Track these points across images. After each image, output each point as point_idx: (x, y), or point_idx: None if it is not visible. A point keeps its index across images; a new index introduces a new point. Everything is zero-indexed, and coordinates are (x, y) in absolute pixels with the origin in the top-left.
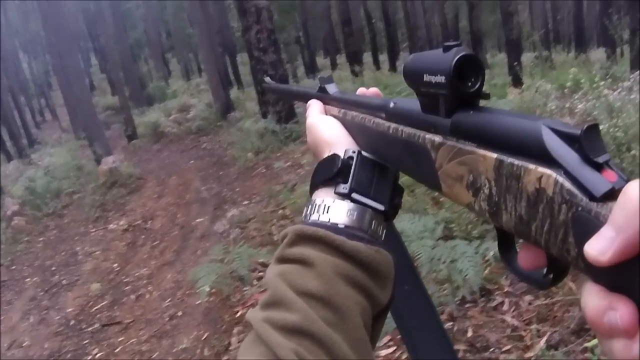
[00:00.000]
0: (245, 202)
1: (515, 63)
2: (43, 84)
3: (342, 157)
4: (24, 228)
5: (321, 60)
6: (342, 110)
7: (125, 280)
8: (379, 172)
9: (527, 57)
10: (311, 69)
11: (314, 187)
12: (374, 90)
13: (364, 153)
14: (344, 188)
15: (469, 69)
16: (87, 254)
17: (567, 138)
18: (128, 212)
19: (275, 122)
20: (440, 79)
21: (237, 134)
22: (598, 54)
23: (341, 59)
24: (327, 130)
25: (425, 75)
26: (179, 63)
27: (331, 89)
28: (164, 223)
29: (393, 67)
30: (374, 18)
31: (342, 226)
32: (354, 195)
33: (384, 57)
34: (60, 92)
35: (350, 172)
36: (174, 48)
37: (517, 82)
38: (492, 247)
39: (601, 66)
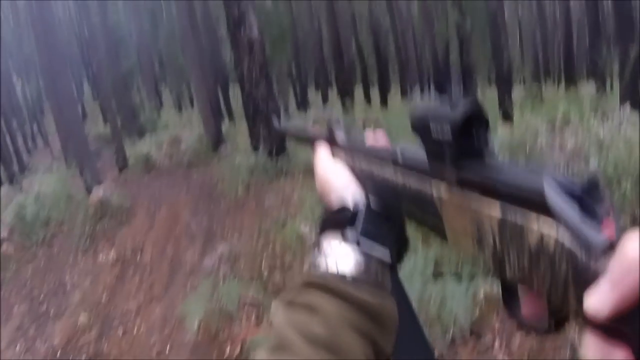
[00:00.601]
0: (235, 237)
1: (505, 99)
2: (36, 109)
3: (350, 206)
4: (12, 255)
5: (312, 94)
6: (350, 156)
7: (113, 313)
8: (386, 222)
9: (517, 91)
10: (302, 103)
11: (322, 235)
12: (381, 132)
13: (371, 202)
14: (351, 238)
15: (476, 121)
16: (75, 285)
17: (569, 193)
18: (118, 244)
19: (267, 156)
20: (447, 132)
21: (227, 167)
22: (588, 87)
23: (332, 92)
24: (336, 177)
25: (432, 126)
26: (172, 93)
27: (339, 133)
28: (153, 256)
29: (384, 102)
30: (366, 52)
31: (349, 275)
32: (362, 245)
33: (375, 92)
34: (52, 117)
35: (358, 220)
36: (167, 78)
37: (507, 116)
38: (482, 285)
39: (591, 100)
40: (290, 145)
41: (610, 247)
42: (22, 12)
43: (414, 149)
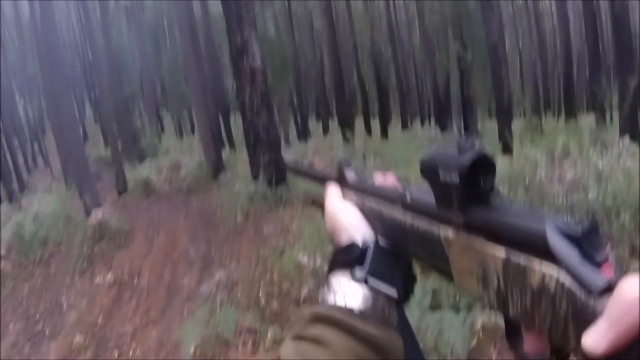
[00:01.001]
0: (233, 265)
1: (505, 131)
2: (37, 129)
3: (359, 244)
4: (10, 273)
5: (313, 124)
6: (360, 197)
7: (109, 335)
8: (394, 260)
9: (517, 123)
10: (303, 133)
11: (331, 271)
12: (390, 175)
13: (380, 241)
14: (360, 274)
15: (482, 167)
16: (71, 306)
17: (570, 237)
18: (115, 267)
19: (266, 185)
20: (455, 178)
21: (227, 195)
22: (588, 119)
23: (333, 123)
24: (346, 217)
25: (440, 172)
26: (173, 119)
27: (349, 173)
28: (150, 281)
29: (385, 134)
30: (367, 83)
31: (357, 310)
32: (370, 282)
33: (375, 123)
34: (53, 138)
35: (366, 259)
36: (169, 104)
37: (507, 149)
38: (480, 316)
39: (591, 132)
40: (290, 175)
41: (609, 288)
42: (27, 31)
43: (423, 192)
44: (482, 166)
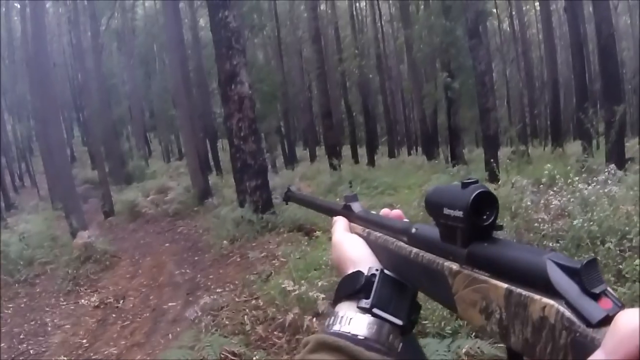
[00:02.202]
0: (219, 290)
1: (492, 160)
2: (25, 149)
3: (365, 274)
4: None
5: (301, 152)
6: (367, 230)
7: (93, 358)
8: (399, 290)
9: (504, 152)
10: (290, 160)
11: (337, 300)
12: (397, 212)
13: (385, 271)
14: (365, 303)
15: (485, 204)
16: (56, 326)
17: (569, 271)
18: (100, 289)
19: (252, 211)
20: (459, 213)
21: (213, 220)
22: (575, 146)
23: (320, 150)
24: (353, 249)
25: (445, 208)
26: (160, 144)
27: (356, 206)
28: (135, 304)
29: (371, 162)
30: (354, 111)
31: (362, 337)
32: (375, 310)
33: (362, 151)
34: (41, 158)
35: (372, 289)
36: (156, 128)
37: (493, 177)
38: (465, 344)
39: (577, 159)
40: (276, 202)
41: (607, 320)
42: (19, 51)
43: (428, 227)
44: (485, 202)
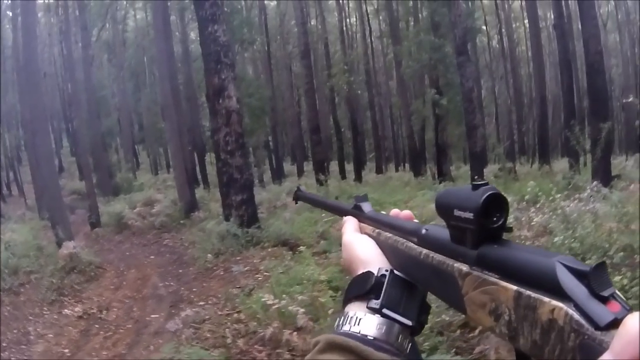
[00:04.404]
0: (202, 303)
1: (478, 177)
2: (14, 158)
3: (375, 274)
4: None
5: (288, 167)
6: (377, 230)
7: None
8: (409, 290)
9: (491, 169)
10: (278, 175)
11: (347, 300)
12: (407, 213)
13: (395, 272)
14: (375, 303)
15: (495, 206)
16: (39, 336)
17: (578, 274)
18: (84, 300)
19: (238, 225)
20: (469, 215)
21: (199, 233)
22: (562, 164)
23: (308, 166)
24: (363, 249)
25: (455, 210)
26: (149, 156)
27: (366, 207)
28: (119, 315)
29: (359, 178)
30: (343, 127)
31: (371, 338)
32: (385, 311)
33: (350, 167)
34: (29, 168)
35: (382, 289)
36: (145, 141)
37: None
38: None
39: (564, 176)
40: (262, 216)
41: (615, 323)
42: (10, 60)
43: (438, 228)
44: (495, 204)
